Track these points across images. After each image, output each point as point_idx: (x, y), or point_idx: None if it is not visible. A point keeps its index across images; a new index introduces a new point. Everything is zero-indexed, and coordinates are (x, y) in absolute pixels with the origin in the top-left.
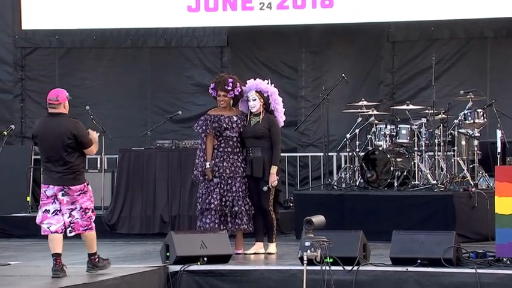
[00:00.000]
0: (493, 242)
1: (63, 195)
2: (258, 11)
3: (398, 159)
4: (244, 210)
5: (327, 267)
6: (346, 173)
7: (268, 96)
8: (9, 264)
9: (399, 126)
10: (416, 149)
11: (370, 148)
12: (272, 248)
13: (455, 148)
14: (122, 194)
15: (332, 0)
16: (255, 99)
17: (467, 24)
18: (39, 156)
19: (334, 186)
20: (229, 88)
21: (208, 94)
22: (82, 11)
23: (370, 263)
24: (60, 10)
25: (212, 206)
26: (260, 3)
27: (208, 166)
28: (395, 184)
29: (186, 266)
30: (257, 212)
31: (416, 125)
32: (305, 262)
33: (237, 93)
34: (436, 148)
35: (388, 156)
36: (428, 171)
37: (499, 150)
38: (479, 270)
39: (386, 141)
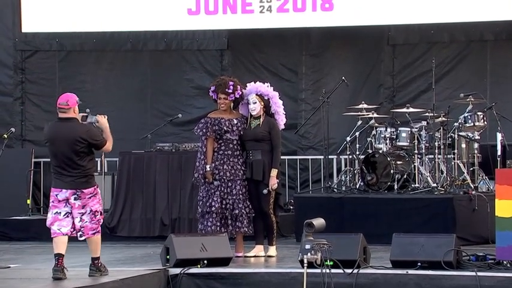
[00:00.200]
0: (493, 244)
1: (75, 199)
2: (258, 14)
3: (398, 162)
4: (245, 213)
5: (327, 270)
6: (346, 176)
7: (268, 99)
8: (9, 267)
9: (399, 129)
10: (416, 151)
11: (370, 151)
12: (272, 250)
13: (456, 151)
14: (122, 196)
15: (332, 3)
16: (256, 102)
17: (467, 27)
18: (39, 159)
19: (334, 189)
20: (230, 91)
21: (208, 97)
22: (82, 14)
23: (370, 265)
24: (60, 13)
25: (213, 209)
26: (260, 6)
27: (208, 169)
28: (396, 187)
29: (186, 268)
30: (257, 215)
31: (417, 128)
32: (305, 265)
33: (238, 96)
34: (436, 151)
35: (388, 159)
36: (428, 174)
37: (499, 153)
38: (479, 273)
39: (386, 144)
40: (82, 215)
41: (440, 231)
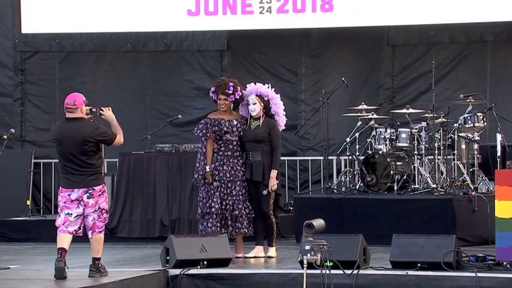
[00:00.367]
0: (493, 245)
1: (88, 197)
2: (257, 15)
3: (398, 163)
4: (245, 214)
5: (327, 271)
6: (346, 177)
7: (268, 100)
8: (9, 268)
9: (399, 130)
10: (416, 152)
11: (370, 152)
12: (272, 251)
13: (455, 152)
14: (121, 197)
15: (332, 4)
16: (255, 103)
17: (467, 28)
18: (39, 160)
19: (334, 190)
20: (230, 92)
21: (208, 98)
22: (82, 14)
23: (370, 266)
24: (60, 14)
25: (213, 209)
26: (260, 7)
27: (208, 170)
28: (395, 188)
29: (186, 269)
30: (257, 216)
31: (416, 129)
32: (305, 266)
33: (238, 97)
34: (436, 152)
35: (388, 160)
36: (428, 175)
37: (498, 154)
38: (479, 274)
39: (386, 145)
40: (94, 213)
41: (440, 232)
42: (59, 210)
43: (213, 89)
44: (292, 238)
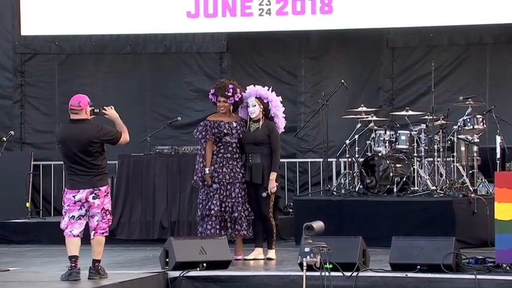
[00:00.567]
0: (492, 247)
1: (94, 198)
2: (257, 17)
3: (397, 165)
4: (244, 216)
5: (327, 273)
6: (346, 179)
7: (268, 102)
8: (9, 270)
9: (398, 132)
10: (415, 154)
11: (370, 154)
12: (272, 253)
13: (455, 154)
14: (121, 199)
15: (331, 6)
16: (255, 105)
17: (466, 30)
18: (38, 162)
19: (334, 192)
20: (230, 94)
21: (207, 100)
22: (81, 17)
23: (369, 268)
24: (60, 16)
25: (212, 212)
26: (259, 9)
27: (207, 172)
28: (395, 190)
29: (185, 271)
30: (257, 218)
31: (416, 131)
32: (304, 268)
33: (237, 99)
34: (436, 154)
35: (388, 162)
36: (427, 177)
37: (498, 156)
38: (478, 276)
39: (385, 147)
40: (98, 214)
41: (439, 234)
42: (63, 212)
43: (212, 91)
44: (292, 240)
